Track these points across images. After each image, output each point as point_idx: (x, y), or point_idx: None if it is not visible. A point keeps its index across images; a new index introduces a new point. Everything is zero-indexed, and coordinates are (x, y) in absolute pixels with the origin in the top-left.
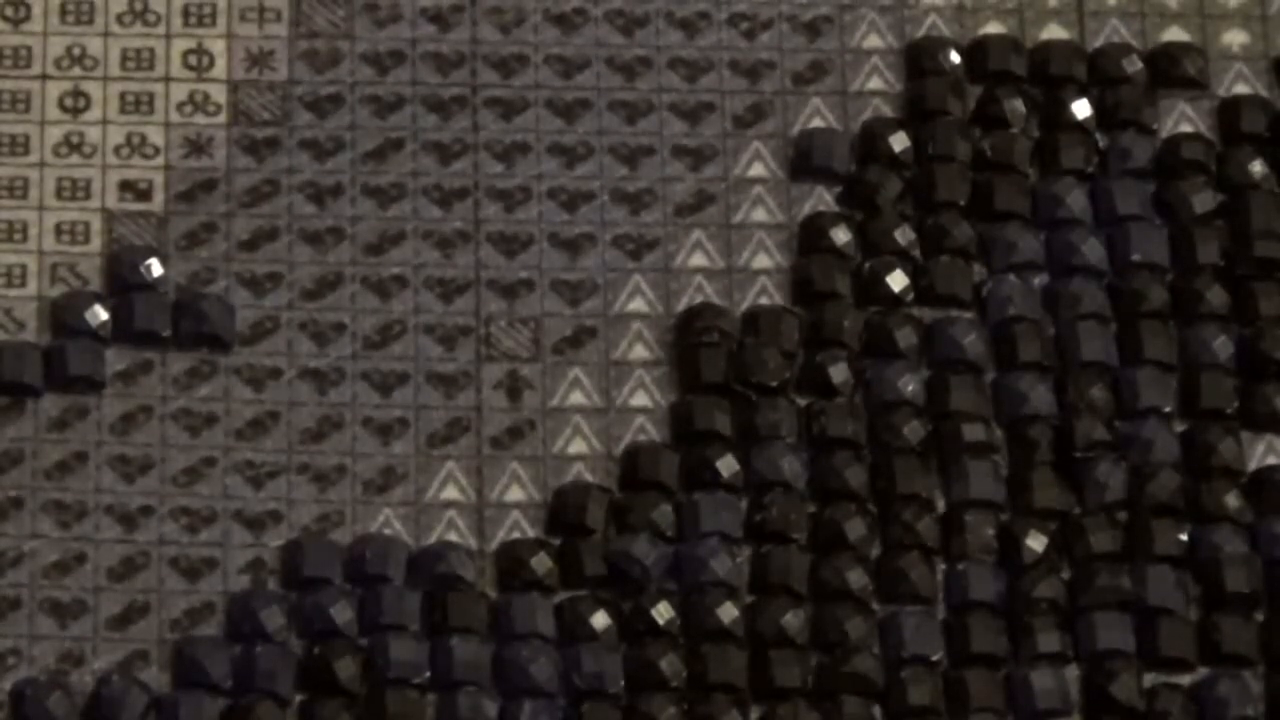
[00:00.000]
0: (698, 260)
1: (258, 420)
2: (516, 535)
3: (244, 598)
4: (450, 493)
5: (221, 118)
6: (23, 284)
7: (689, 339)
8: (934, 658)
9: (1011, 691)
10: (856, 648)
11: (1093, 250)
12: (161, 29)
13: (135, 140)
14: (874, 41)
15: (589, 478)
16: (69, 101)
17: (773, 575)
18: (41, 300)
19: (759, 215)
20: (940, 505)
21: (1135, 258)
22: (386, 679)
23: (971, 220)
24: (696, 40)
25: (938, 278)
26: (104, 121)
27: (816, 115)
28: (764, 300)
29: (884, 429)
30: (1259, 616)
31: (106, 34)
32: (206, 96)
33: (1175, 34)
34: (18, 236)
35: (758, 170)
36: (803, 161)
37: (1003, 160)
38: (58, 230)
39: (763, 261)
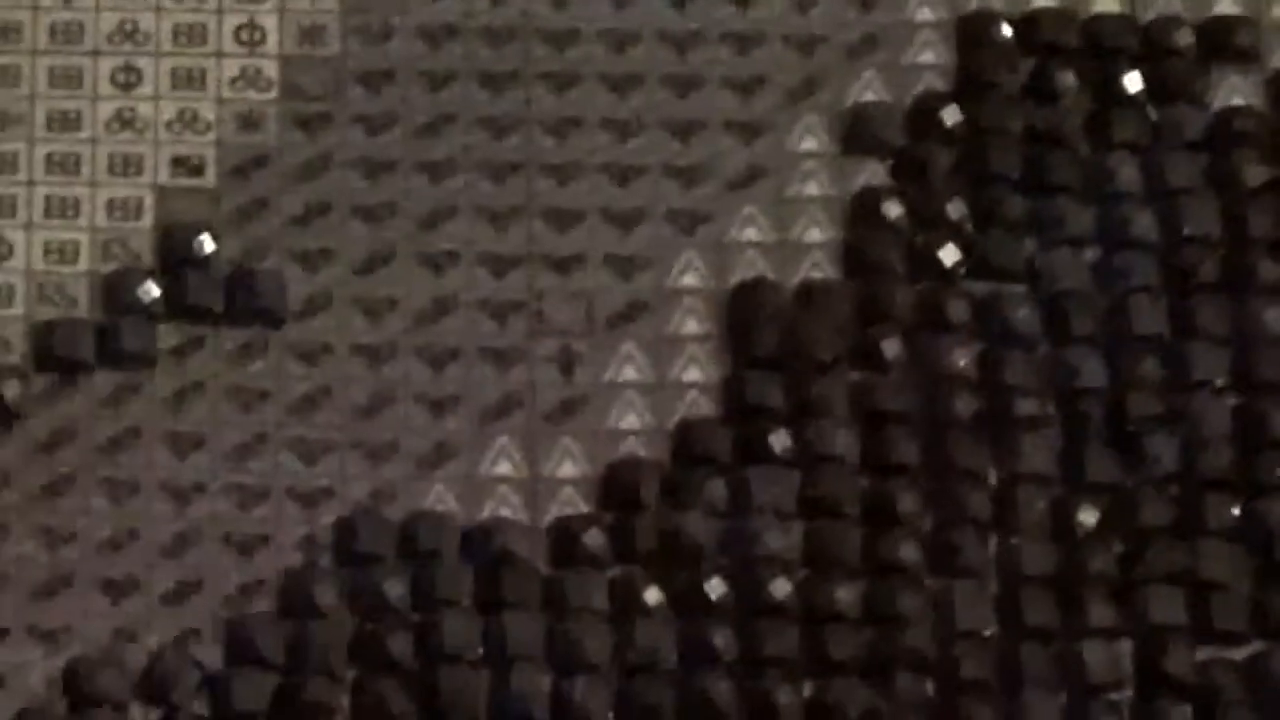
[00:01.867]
0: (750, 234)
1: (310, 396)
2: (569, 510)
3: (297, 574)
4: (502, 468)
5: (273, 93)
6: (75, 260)
7: (741, 313)
8: (986, 632)
9: (1064, 666)
10: (909, 622)
11: (1144, 223)
12: (213, 4)
13: (187, 116)
14: (926, 14)
15: (641, 453)
16: (121, 77)
17: (826, 550)
18: (93, 276)
19: (811, 189)
20: (992, 479)
21: (1187, 231)
22: (440, 655)
23: (1024, 193)
24: (749, 14)
25: (990, 251)
26: (156, 97)
27: (869, 88)
28: (816, 274)
29: (936, 403)
30: None
31: (158, 9)
32: (258, 72)
33: (1227, 6)
34: (70, 212)
35: (810, 144)
36: (855, 135)
37: (1054, 133)
38: (110, 206)
39: (815, 235)
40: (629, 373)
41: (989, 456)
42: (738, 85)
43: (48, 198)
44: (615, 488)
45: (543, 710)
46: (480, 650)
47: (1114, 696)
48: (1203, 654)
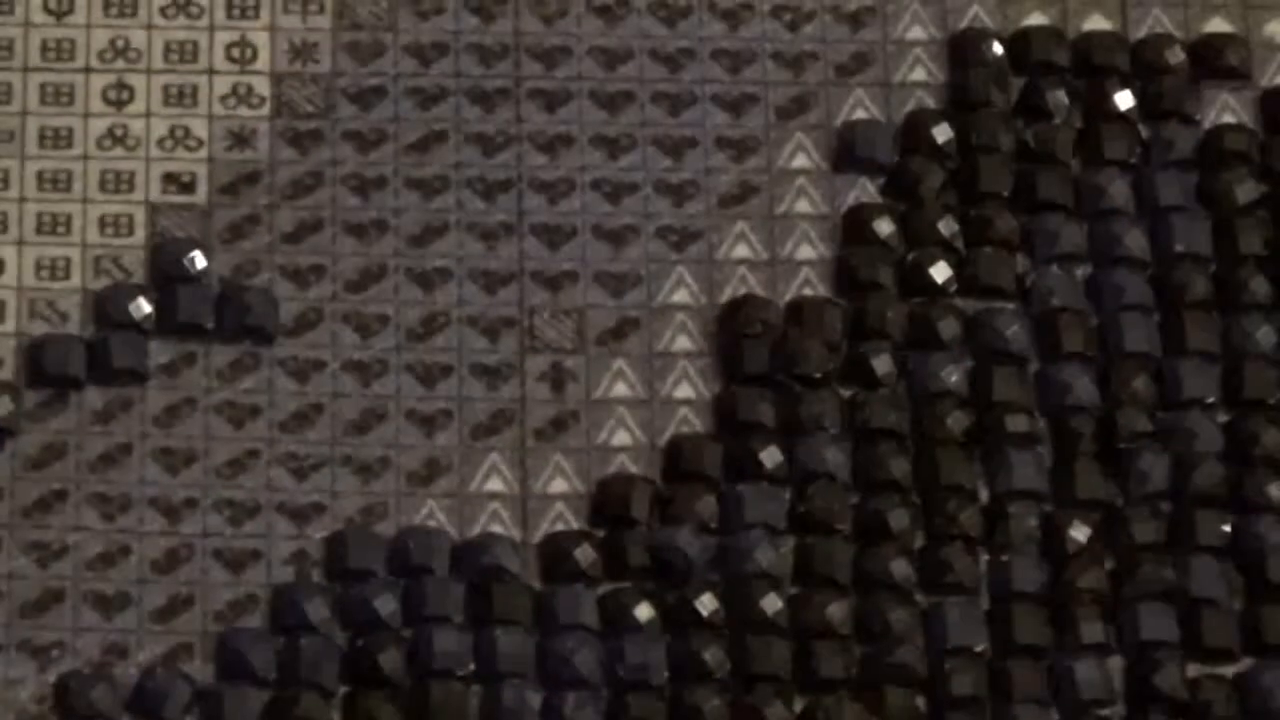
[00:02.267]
0: (741, 251)
1: (301, 412)
2: (560, 527)
3: (288, 590)
4: (494, 484)
5: (265, 110)
6: (66, 276)
7: (732, 330)
8: (977, 648)
9: (1055, 682)
10: (900, 638)
11: (1136, 240)
12: (205, 21)
13: (179, 133)
14: (916, 33)
15: (632, 469)
16: (112, 94)
17: (816, 566)
18: (85, 293)
19: (802, 206)
20: (984, 496)
21: (1177, 248)
22: (431, 670)
23: (1014, 211)
24: (739, 31)
25: (981, 268)
26: (148, 114)
27: (859, 106)
28: (807, 291)
29: (927, 420)
30: None
31: (150, 26)
32: (250, 89)
33: (1218, 24)
34: (61, 229)
35: (801, 161)
36: (846, 152)
37: (1045, 151)
38: (101, 223)
39: (806, 252)
40: (620, 389)
41: (980, 473)
42: (728, 103)
43: (39, 214)
44: (606, 504)
45: None
46: (471, 666)
47: (1105, 713)
48: (1193, 670)
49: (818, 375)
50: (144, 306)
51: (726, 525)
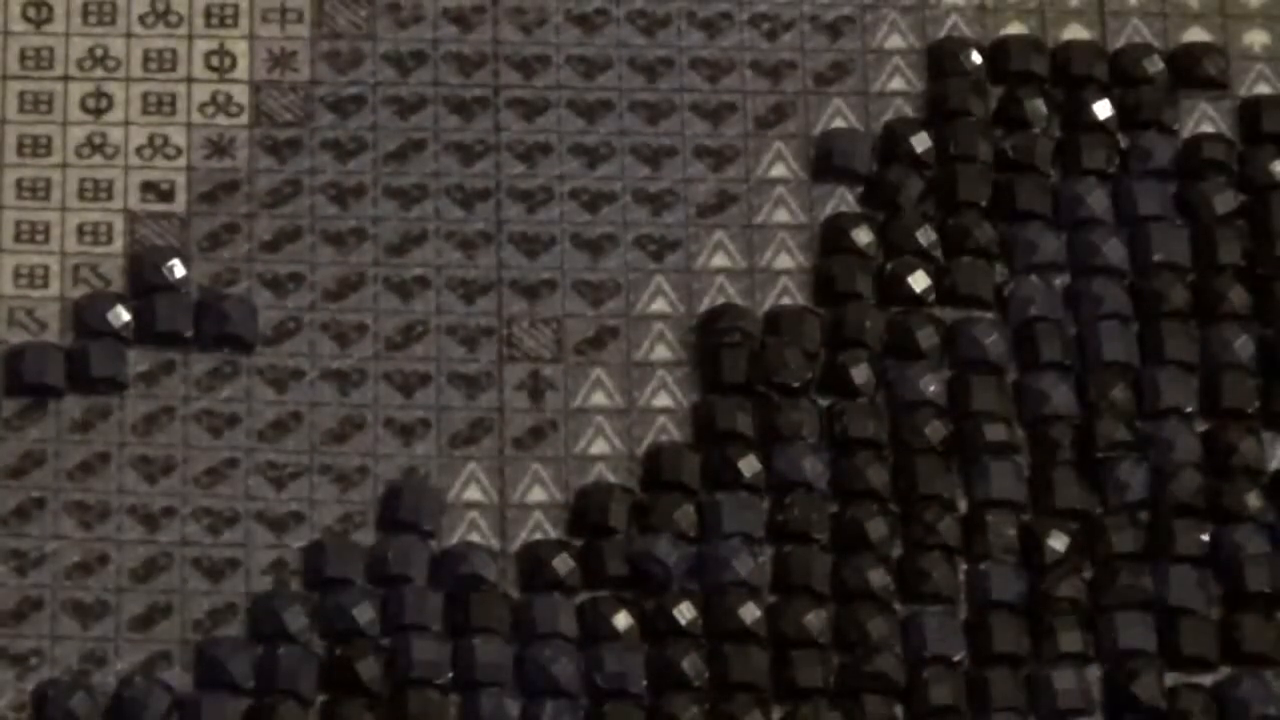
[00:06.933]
0: (719, 261)
1: (280, 421)
2: (538, 536)
3: (266, 598)
4: (472, 493)
5: (244, 118)
6: (45, 285)
7: (711, 339)
8: (955, 658)
9: (1033, 691)
10: (878, 647)
11: (1114, 250)
12: (184, 30)
13: (158, 141)
14: (895, 42)
15: (611, 478)
16: (91, 102)
17: (794, 575)
18: (64, 301)
19: (781, 216)
20: (962, 505)
21: (1156, 258)
22: (409, 679)
23: (993, 220)
24: (718, 40)
25: (959, 278)
26: (126, 122)
27: (838, 115)
28: (786, 300)
29: (905, 429)
30: None
31: (129, 35)
32: (229, 97)
33: (1196, 34)
34: (40, 237)
35: (779, 171)
36: (824, 162)
37: (1024, 160)
38: (80, 231)
39: (784, 262)
40: (598, 398)
41: (958, 482)
42: (707, 112)
43: (18, 222)
44: (585, 513)
45: None
46: (449, 674)
47: None
48: (1171, 680)
49: (796, 385)
50: (123, 315)
51: (705, 534)
